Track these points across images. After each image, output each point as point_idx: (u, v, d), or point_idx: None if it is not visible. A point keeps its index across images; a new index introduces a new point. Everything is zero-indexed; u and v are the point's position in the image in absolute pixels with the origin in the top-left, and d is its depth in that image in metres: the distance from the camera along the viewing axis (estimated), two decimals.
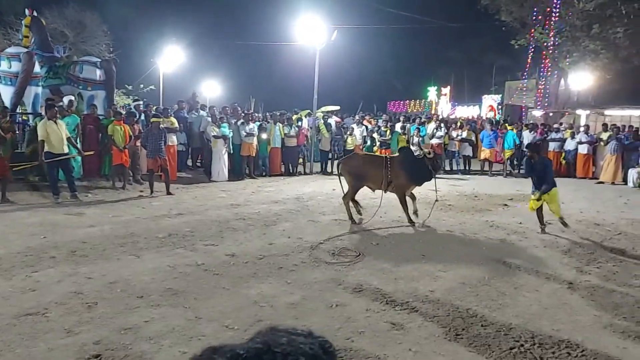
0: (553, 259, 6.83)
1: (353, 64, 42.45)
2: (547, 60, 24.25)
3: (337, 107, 21.02)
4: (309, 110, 17.40)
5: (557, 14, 22.35)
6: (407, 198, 8.85)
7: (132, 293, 5.12)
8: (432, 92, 38.66)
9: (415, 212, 8.73)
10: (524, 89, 27.67)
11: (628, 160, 15.11)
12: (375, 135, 16.42)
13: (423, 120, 19.23)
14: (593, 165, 16.02)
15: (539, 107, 25.37)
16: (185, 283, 5.47)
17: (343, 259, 6.55)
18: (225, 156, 13.83)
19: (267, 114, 17.95)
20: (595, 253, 7.01)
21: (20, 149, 11.28)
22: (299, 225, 8.43)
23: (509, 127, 17.67)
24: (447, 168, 16.79)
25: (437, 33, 40.80)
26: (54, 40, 16.41)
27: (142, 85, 25.69)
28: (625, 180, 14.82)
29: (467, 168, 16.97)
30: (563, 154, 16.44)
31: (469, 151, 17.14)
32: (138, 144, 12.04)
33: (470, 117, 29.03)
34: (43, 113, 11.06)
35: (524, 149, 16.87)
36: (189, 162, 15.40)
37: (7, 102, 12.20)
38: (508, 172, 16.86)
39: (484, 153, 16.52)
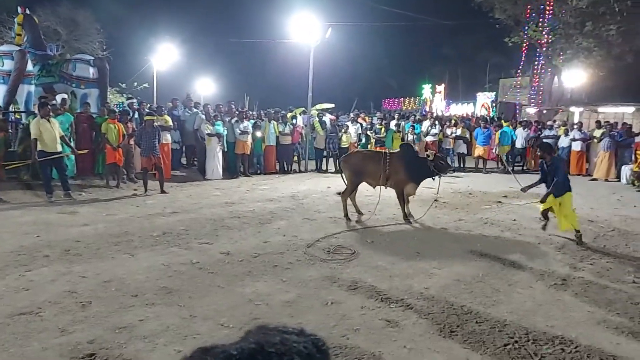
0: (547, 255, 6.86)
1: (347, 62, 42.51)
2: (540, 58, 24.32)
3: (332, 105, 21.04)
4: (303, 108, 17.39)
5: (551, 12, 22.42)
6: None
7: (126, 292, 5.11)
8: (426, 89, 38.71)
9: (405, 216, 8.79)
10: (518, 86, 27.74)
11: (621, 157, 15.19)
12: (369, 132, 16.44)
13: (418, 117, 19.27)
14: (586, 162, 16.10)
15: (532, 104, 25.45)
16: (179, 282, 5.46)
17: (338, 257, 6.56)
18: (220, 154, 13.80)
19: (262, 111, 17.93)
20: (589, 250, 7.04)
21: (13, 148, 11.22)
22: (294, 223, 8.43)
23: (505, 124, 17.74)
24: None
25: (431, 31, 40.93)
26: (46, 38, 16.32)
27: (135, 84, 25.60)
28: (618, 177, 14.90)
29: (461, 165, 17.01)
30: (557, 151, 16.49)
31: (463, 149, 17.18)
32: (132, 142, 12.00)
33: (464, 115, 29.06)
34: (36, 111, 11.00)
35: (519, 147, 17.11)
36: (183, 160, 15.37)
37: (0, 101, 12.12)
38: (510, 168, 16.96)
39: (478, 150, 16.56)
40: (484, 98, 32.36)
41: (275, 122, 15.19)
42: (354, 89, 46.50)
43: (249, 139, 14.22)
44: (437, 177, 8.82)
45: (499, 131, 16.77)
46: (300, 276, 5.74)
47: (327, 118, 17.13)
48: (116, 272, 5.70)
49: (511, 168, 17.24)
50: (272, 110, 16.73)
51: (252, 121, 14.84)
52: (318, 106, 18.95)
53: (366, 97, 44.39)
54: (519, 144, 17.05)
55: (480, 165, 16.65)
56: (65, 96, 12.62)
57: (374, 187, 9.17)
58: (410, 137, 16.36)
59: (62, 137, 9.99)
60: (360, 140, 16.11)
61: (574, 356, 4.01)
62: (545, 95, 25.08)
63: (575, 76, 22.77)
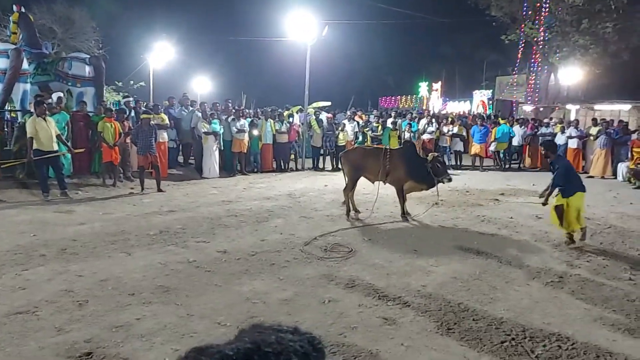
0: (544, 253, 6.87)
1: (344, 60, 42.49)
2: (537, 56, 24.36)
3: (329, 103, 21.02)
4: (300, 107, 17.38)
5: (547, 9, 22.45)
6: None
7: (123, 291, 5.10)
8: (423, 87, 38.76)
9: (403, 213, 8.80)
10: (515, 84, 27.81)
11: (617, 155, 15.23)
12: (366, 130, 16.44)
13: (414, 115, 19.28)
14: (583, 160, 16.13)
15: (529, 102, 25.50)
16: (176, 280, 5.45)
17: (335, 255, 6.55)
18: (217, 153, 13.79)
19: (259, 110, 17.91)
20: (585, 247, 7.05)
21: (8, 147, 11.18)
22: (291, 222, 8.42)
23: (501, 121, 17.78)
24: None
25: (428, 29, 40.98)
26: (42, 36, 16.28)
27: (132, 82, 25.58)
28: (614, 174, 14.94)
29: (458, 163, 17.03)
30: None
31: (460, 146, 17.19)
32: (128, 140, 11.97)
33: (461, 113, 29.10)
34: (32, 110, 10.96)
35: (515, 144, 17.15)
36: (180, 159, 15.33)
37: None
38: (507, 166, 17.06)
39: (475, 148, 16.58)
40: (481, 96, 32.42)
41: (272, 121, 15.17)
42: (350, 87, 46.48)
43: (246, 137, 14.20)
44: (437, 182, 8.70)
45: (496, 129, 16.82)
46: (298, 274, 5.74)
47: (324, 116, 17.11)
48: (113, 270, 5.68)
49: (508, 165, 17.31)
50: (269, 109, 16.71)
51: (249, 119, 14.83)
52: (315, 104, 18.94)
53: (363, 95, 44.38)
54: (515, 141, 17.08)
55: (477, 163, 16.67)
56: (61, 95, 12.59)
57: (373, 183, 9.18)
58: (407, 135, 16.36)
59: (58, 136, 9.96)
60: (357, 138, 16.11)
61: (571, 353, 4.02)
62: (541, 93, 25.13)
63: (571, 74, 22.82)
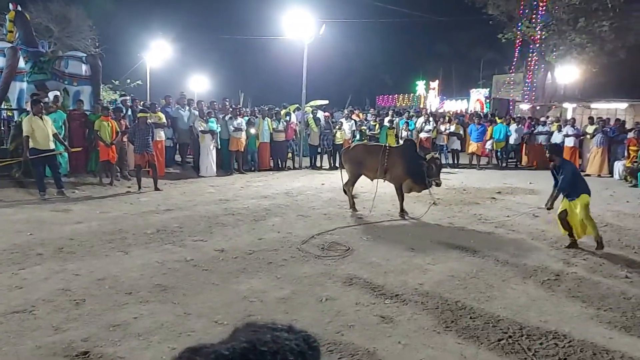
0: (540, 251, 6.89)
1: (342, 59, 42.44)
2: (534, 54, 24.37)
3: (326, 102, 21.02)
4: (297, 105, 17.37)
5: (544, 8, 22.46)
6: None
7: (120, 289, 5.09)
8: (420, 86, 38.76)
9: (401, 210, 8.81)
10: (512, 82, 27.82)
11: (614, 153, 15.29)
12: (363, 128, 16.44)
13: (411, 114, 19.29)
14: (579, 158, 16.16)
15: (526, 100, 25.51)
16: (174, 279, 5.45)
17: (333, 253, 6.56)
18: (214, 151, 13.77)
19: (256, 108, 17.90)
20: (581, 245, 7.06)
21: (4, 145, 11.14)
22: (289, 220, 8.42)
23: (498, 120, 17.81)
24: None
25: (425, 27, 41.01)
26: (38, 35, 16.21)
27: (129, 80, 25.48)
28: (611, 173, 14.99)
29: (455, 162, 17.06)
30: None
31: (457, 145, 17.21)
32: (125, 139, 11.94)
33: (458, 111, 29.12)
34: (28, 109, 10.92)
35: (512, 143, 17.18)
36: (177, 158, 15.30)
37: None
38: (504, 164, 17.13)
39: (472, 147, 16.60)
40: (478, 94, 32.44)
41: (269, 119, 15.17)
42: (348, 86, 46.51)
43: (243, 135, 14.18)
44: (430, 183, 8.71)
45: (492, 128, 16.87)
46: (295, 273, 5.74)
47: (321, 115, 17.10)
48: (110, 269, 5.68)
49: (505, 164, 17.35)
50: (266, 107, 16.70)
51: (246, 118, 14.81)
52: (312, 103, 18.93)
53: (360, 94, 44.40)
54: (512, 140, 17.11)
55: (474, 162, 16.70)
56: (58, 93, 12.53)
57: (372, 180, 9.22)
58: (404, 133, 16.37)
59: (55, 135, 9.93)
60: (354, 136, 16.10)
61: (567, 351, 4.03)
62: (538, 92, 25.15)
63: (568, 72, 22.85)
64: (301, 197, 10.59)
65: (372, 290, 5.24)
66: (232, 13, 44.40)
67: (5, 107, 12.59)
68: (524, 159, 17.72)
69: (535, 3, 22.76)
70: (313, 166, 16.10)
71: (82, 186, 11.11)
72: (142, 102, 15.26)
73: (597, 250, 6.78)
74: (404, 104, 38.68)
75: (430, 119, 17.65)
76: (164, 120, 13.20)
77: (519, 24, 23.45)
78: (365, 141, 15.65)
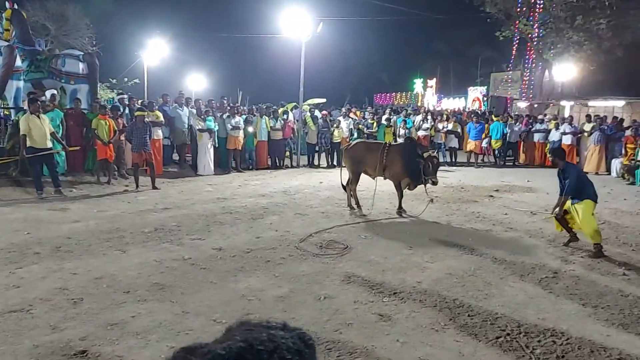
0: (538, 249, 6.89)
1: (339, 57, 42.45)
2: (531, 52, 24.39)
3: (324, 100, 20.99)
4: (295, 103, 17.35)
5: (541, 6, 22.47)
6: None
7: (118, 288, 5.08)
8: (418, 84, 38.78)
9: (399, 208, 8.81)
10: (509, 80, 27.86)
11: (611, 151, 15.32)
12: (361, 127, 16.42)
13: (409, 112, 19.29)
14: (577, 156, 16.19)
15: (523, 98, 25.55)
16: (172, 278, 5.44)
17: (331, 252, 6.56)
18: (211, 150, 13.75)
19: (253, 107, 17.87)
20: (579, 242, 7.07)
21: (1, 144, 11.11)
22: (286, 219, 8.42)
23: (495, 119, 17.83)
24: None
25: (423, 25, 41.04)
26: (35, 33, 16.19)
27: (126, 79, 25.43)
28: (608, 171, 15.01)
29: (453, 160, 17.06)
30: (547, 145, 16.59)
31: (454, 143, 17.21)
32: (122, 138, 11.92)
33: (456, 109, 29.14)
34: (25, 107, 10.89)
35: (510, 141, 17.21)
36: (175, 157, 15.27)
37: None
38: (502, 162, 17.16)
39: (470, 145, 16.61)
40: (476, 92, 32.47)
41: (266, 117, 15.15)
42: (345, 84, 46.54)
43: (241, 134, 14.17)
44: (426, 181, 8.69)
45: (489, 126, 16.91)
46: (293, 271, 5.74)
47: (318, 113, 17.08)
48: (108, 268, 5.67)
49: (502, 162, 17.38)
50: (264, 106, 16.67)
51: (244, 116, 14.79)
52: (310, 101, 18.91)
53: (358, 92, 44.39)
54: (510, 138, 17.13)
55: (472, 160, 16.71)
56: (55, 92, 12.52)
57: (373, 178, 9.24)
58: (401, 131, 16.37)
59: (52, 134, 9.91)
60: (352, 135, 16.09)
61: (565, 348, 4.04)
62: (536, 89, 25.18)
63: (565, 70, 22.87)
64: (299, 196, 10.58)
65: (371, 288, 5.24)
66: (230, 11, 44.37)
67: (2, 105, 12.56)
68: (522, 157, 17.74)
69: (532, 1, 22.78)
70: (311, 164, 16.09)
71: (80, 185, 11.09)
72: (140, 101, 15.19)
73: (593, 257, 6.43)
74: (401, 102, 38.71)
75: (428, 117, 17.65)
76: (162, 119, 13.18)
77: (517, 21, 23.45)
78: (364, 139, 15.74)
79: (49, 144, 9.79)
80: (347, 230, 7.75)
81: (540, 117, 18.45)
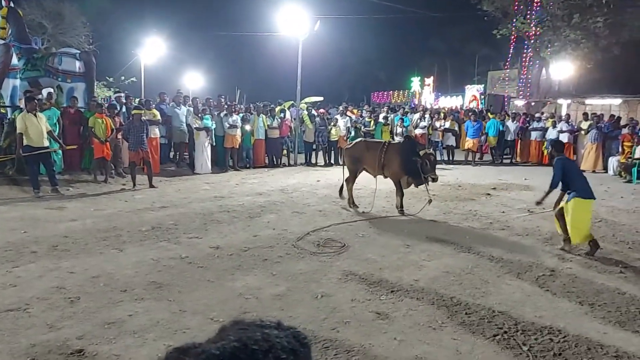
0: (535, 247, 6.91)
1: (336, 55, 42.45)
2: (528, 50, 24.41)
3: (321, 98, 21.00)
4: (292, 102, 17.34)
5: (539, 4, 22.48)
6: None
7: (115, 287, 5.08)
8: (415, 82, 38.76)
9: (400, 207, 8.83)
10: (506, 78, 27.87)
11: (608, 149, 15.35)
12: (358, 125, 16.43)
13: (406, 110, 19.30)
14: (574, 154, 16.21)
15: (521, 96, 25.57)
16: (169, 276, 5.43)
17: (328, 250, 6.56)
18: (209, 148, 13.74)
19: (251, 105, 17.87)
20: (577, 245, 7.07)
21: None
22: (284, 217, 8.42)
23: (491, 116, 17.86)
24: None
25: (420, 23, 41.08)
26: (31, 31, 16.11)
27: (123, 77, 25.39)
28: (605, 169, 15.05)
29: (450, 158, 17.08)
30: (545, 143, 16.62)
31: (452, 141, 17.24)
32: (119, 136, 11.89)
33: (453, 108, 29.15)
34: (22, 106, 10.85)
35: (507, 139, 17.24)
36: (172, 155, 15.25)
37: None
38: (499, 160, 17.20)
39: (468, 143, 16.64)
40: (473, 90, 32.49)
41: (264, 116, 15.14)
42: (343, 82, 46.60)
43: (238, 132, 14.15)
44: (425, 179, 8.67)
45: (485, 123, 16.97)
46: (290, 270, 5.73)
47: (314, 112, 17.07)
48: (105, 267, 5.66)
49: (500, 160, 17.41)
50: (261, 104, 16.66)
51: (241, 115, 14.77)
52: (307, 99, 18.90)
53: (355, 90, 44.46)
54: (508, 136, 17.15)
55: (470, 158, 16.73)
56: (51, 90, 12.47)
57: (374, 177, 9.26)
58: (399, 129, 16.38)
59: (49, 132, 9.89)
60: (349, 133, 16.09)
61: (562, 346, 4.04)
62: (533, 88, 25.19)
63: (562, 68, 22.90)
64: (296, 194, 10.58)
65: (368, 286, 5.24)
66: (227, 10, 44.30)
67: None
68: (519, 155, 17.77)
69: None
70: (308, 163, 16.09)
71: (77, 184, 11.06)
72: (138, 100, 15.16)
73: (589, 254, 6.44)
74: (399, 101, 38.70)
75: (426, 115, 17.66)
76: (159, 117, 13.15)
77: (514, 20, 23.46)
78: (362, 137, 15.74)
79: (46, 143, 9.76)
80: (345, 228, 7.75)
81: (537, 115, 18.48)
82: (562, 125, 16.17)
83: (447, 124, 17.18)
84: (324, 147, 16.17)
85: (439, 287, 5.25)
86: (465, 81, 35.13)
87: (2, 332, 4.05)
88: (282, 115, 15.81)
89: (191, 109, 14.00)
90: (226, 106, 14.77)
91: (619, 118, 16.77)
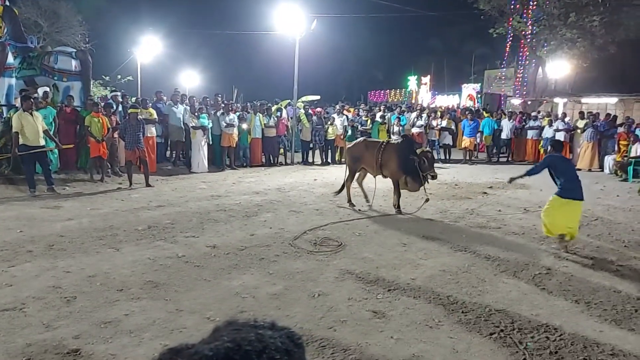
0: (531, 245, 6.92)
1: (333, 54, 42.45)
2: (525, 49, 24.44)
3: (318, 97, 20.99)
4: (289, 100, 17.33)
5: (535, 3, 22.51)
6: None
7: (111, 286, 5.07)
8: (412, 81, 38.77)
9: (397, 205, 8.84)
10: (503, 77, 27.87)
11: (604, 147, 15.38)
12: (355, 124, 16.43)
13: (403, 109, 19.31)
14: (570, 153, 16.23)
15: (517, 95, 25.59)
16: (165, 275, 5.42)
17: (325, 249, 6.56)
18: (205, 147, 13.72)
19: (248, 104, 17.84)
20: (572, 240, 7.09)
21: None
22: (281, 216, 8.41)
23: (485, 115, 17.89)
24: None
25: (417, 22, 41.11)
26: (27, 30, 16.07)
27: (119, 76, 25.28)
28: (601, 167, 15.08)
29: (447, 157, 17.09)
30: (541, 142, 16.65)
31: (448, 140, 17.25)
32: (116, 135, 11.86)
33: (450, 106, 29.16)
34: (18, 105, 10.81)
35: (504, 138, 17.26)
36: (168, 154, 15.22)
37: None
38: (494, 160, 17.26)
39: (465, 142, 16.66)
40: (470, 89, 32.50)
41: (260, 115, 15.12)
42: (339, 81, 46.62)
43: (235, 131, 14.13)
44: (425, 177, 8.67)
45: (480, 122, 17.01)
46: (287, 268, 5.73)
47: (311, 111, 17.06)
48: (101, 266, 5.64)
49: (496, 159, 17.44)
50: (258, 103, 16.64)
51: (238, 113, 14.75)
52: (304, 98, 18.89)
53: (352, 89, 44.48)
54: (504, 134, 17.18)
55: (467, 157, 16.74)
56: (47, 89, 12.43)
57: (374, 177, 9.31)
58: (396, 128, 16.38)
59: (46, 131, 9.86)
60: (346, 132, 16.09)
61: (558, 344, 4.06)
62: (529, 86, 25.23)
63: (559, 67, 22.93)
64: (293, 193, 10.58)
65: (365, 285, 5.24)
66: (224, 8, 44.19)
67: None
68: (515, 153, 17.80)
69: None
70: (305, 162, 16.08)
71: (73, 183, 11.04)
72: (134, 98, 15.11)
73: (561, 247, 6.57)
74: (395, 99, 38.70)
75: (423, 114, 17.66)
76: (155, 116, 13.12)
77: (510, 18, 23.49)
78: (358, 136, 15.74)
79: (42, 142, 9.74)
80: (341, 227, 7.75)
81: (533, 114, 18.50)
82: (558, 124, 16.19)
83: (444, 123, 17.20)
84: (321, 146, 16.16)
85: (435, 286, 5.26)
86: (461, 80, 35.12)
87: None
88: (278, 114, 15.79)
89: (188, 107, 13.98)
90: (223, 105, 14.74)
91: (615, 117, 16.82)
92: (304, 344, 0.94)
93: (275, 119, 15.43)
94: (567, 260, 6.28)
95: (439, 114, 18.16)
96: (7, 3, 13.02)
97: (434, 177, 8.69)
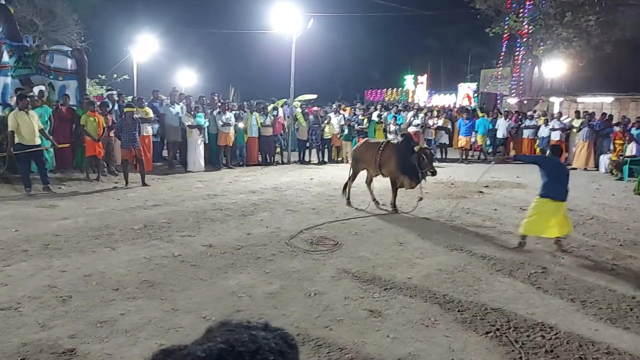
0: (527, 244, 6.92)
1: (330, 53, 42.41)
2: (521, 48, 24.48)
3: (314, 96, 20.97)
4: (285, 100, 17.32)
5: (531, 2, 22.55)
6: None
7: (107, 286, 5.06)
8: (409, 80, 38.76)
9: (393, 205, 8.85)
10: (499, 76, 27.90)
11: (600, 147, 15.43)
12: (352, 123, 16.42)
13: (400, 108, 19.32)
14: (566, 152, 16.27)
15: (513, 94, 25.64)
16: (161, 275, 5.42)
17: (321, 248, 6.56)
18: (201, 146, 13.70)
19: (244, 103, 17.82)
20: (569, 238, 7.11)
21: None
22: (277, 215, 8.41)
23: (480, 114, 17.94)
24: None
25: (413, 21, 41.03)
26: (23, 29, 15.96)
27: (115, 75, 25.23)
28: (597, 166, 15.12)
29: (443, 156, 17.11)
30: (537, 141, 16.69)
31: (445, 139, 17.26)
32: (112, 134, 11.84)
33: (446, 106, 29.18)
34: (13, 104, 10.76)
35: (500, 137, 17.29)
36: (164, 153, 15.19)
37: None
38: (491, 159, 17.27)
39: (461, 142, 16.68)
40: (466, 89, 32.54)
41: (257, 114, 15.11)
42: (336, 80, 46.60)
43: (232, 130, 14.12)
44: (424, 174, 8.68)
45: (475, 122, 17.05)
46: (284, 268, 5.73)
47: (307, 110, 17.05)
48: (97, 266, 5.63)
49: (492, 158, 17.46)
50: (254, 102, 16.62)
51: (234, 112, 14.73)
52: (301, 97, 18.87)
53: (349, 88, 44.48)
54: (500, 134, 17.20)
55: (463, 156, 16.76)
56: (43, 88, 12.39)
57: (375, 176, 9.33)
58: (392, 127, 16.39)
59: (41, 130, 9.83)
60: (342, 131, 16.09)
61: (554, 342, 4.07)
62: (525, 86, 25.27)
63: (555, 66, 22.98)
64: (290, 192, 10.57)
65: (361, 284, 5.25)
66: (220, 7, 44.10)
67: None
68: (512, 153, 17.81)
69: None
70: (301, 161, 16.07)
71: (69, 182, 11.01)
72: (130, 97, 15.07)
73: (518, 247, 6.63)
74: (392, 99, 38.69)
75: (419, 113, 17.68)
76: (151, 115, 13.09)
77: (506, 18, 23.52)
78: (356, 136, 15.75)
79: (38, 141, 9.71)
80: (338, 226, 7.75)
81: (529, 113, 18.56)
82: (554, 123, 16.23)
83: (441, 122, 17.22)
84: (318, 145, 16.16)
85: (431, 285, 5.27)
86: (458, 79, 35.14)
87: None
88: (275, 113, 15.79)
89: (184, 106, 13.95)
90: (219, 104, 14.72)
91: (611, 116, 16.87)
92: (298, 345, 0.94)
93: (272, 118, 15.41)
94: (563, 259, 6.30)
95: (435, 113, 18.16)
96: (3, 2, 12.97)
97: (434, 173, 8.68)
